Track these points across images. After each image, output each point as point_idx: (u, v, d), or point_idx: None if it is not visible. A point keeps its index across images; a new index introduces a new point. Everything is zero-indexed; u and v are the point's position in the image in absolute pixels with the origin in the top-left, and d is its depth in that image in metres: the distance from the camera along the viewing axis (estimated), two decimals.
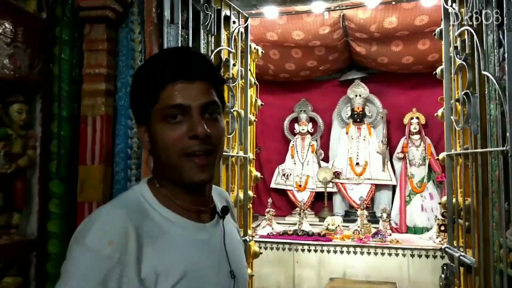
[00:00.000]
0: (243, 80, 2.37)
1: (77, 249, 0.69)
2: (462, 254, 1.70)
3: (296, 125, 5.33)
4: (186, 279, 0.72)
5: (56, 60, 1.56)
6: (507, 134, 1.33)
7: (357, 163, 4.98)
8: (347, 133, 5.11)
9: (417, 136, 4.82)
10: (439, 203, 2.31)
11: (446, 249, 1.84)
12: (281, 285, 4.17)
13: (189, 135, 0.72)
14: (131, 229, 0.70)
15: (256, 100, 2.58)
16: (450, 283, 1.75)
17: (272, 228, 4.72)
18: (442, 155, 2.01)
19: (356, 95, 5.08)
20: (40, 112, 1.49)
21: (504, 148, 1.36)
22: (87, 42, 1.59)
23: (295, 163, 5.26)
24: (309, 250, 4.18)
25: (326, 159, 5.31)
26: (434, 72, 2.34)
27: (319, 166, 5.17)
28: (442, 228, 4.00)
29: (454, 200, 1.84)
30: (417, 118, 4.82)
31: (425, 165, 4.70)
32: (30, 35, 1.47)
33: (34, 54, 1.48)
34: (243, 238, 2.06)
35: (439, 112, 2.08)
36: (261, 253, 2.53)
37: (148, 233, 0.72)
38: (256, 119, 2.75)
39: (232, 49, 2.00)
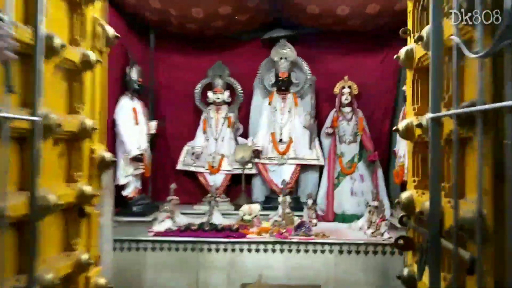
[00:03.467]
0: None
1: None
2: None
3: (209, 93, 4.32)
4: None
5: None
6: None
7: (281, 140, 4.17)
8: (270, 103, 4.24)
9: (348, 109, 4.14)
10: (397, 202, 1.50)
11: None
12: None
13: None
14: None
15: (103, 27, 1.50)
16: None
17: (174, 221, 3.74)
18: (427, 117, 1.13)
19: (281, 58, 4.21)
20: None
21: None
22: None
23: (207, 140, 4.29)
24: (217, 250, 3.30)
25: (245, 135, 4.42)
26: None
27: (237, 143, 4.26)
28: (374, 219, 3.38)
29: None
30: (349, 87, 4.12)
31: (356, 142, 4.05)
32: None
33: None
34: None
35: (402, 52, 1.22)
36: (111, 287, 1.52)
37: None
38: (102, 61, 1.65)
39: None
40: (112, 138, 3.80)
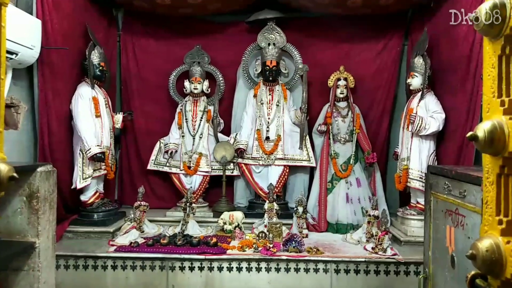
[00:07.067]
0: None
1: None
2: None
3: (186, 82, 3.75)
4: None
5: None
6: None
7: (267, 138, 3.66)
8: (255, 96, 3.72)
9: (343, 103, 3.66)
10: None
11: None
12: None
13: None
14: None
15: None
16: None
17: (143, 231, 3.20)
18: None
19: (269, 44, 3.69)
20: None
21: None
22: None
23: (183, 136, 3.74)
24: (191, 268, 2.78)
25: (227, 131, 3.89)
26: None
27: (217, 140, 3.73)
28: (373, 231, 2.93)
29: None
30: (345, 79, 3.63)
31: (352, 141, 3.58)
32: None
33: None
34: None
35: (481, 11, 0.73)
36: None
37: None
38: None
39: None
40: (69, 133, 3.21)
